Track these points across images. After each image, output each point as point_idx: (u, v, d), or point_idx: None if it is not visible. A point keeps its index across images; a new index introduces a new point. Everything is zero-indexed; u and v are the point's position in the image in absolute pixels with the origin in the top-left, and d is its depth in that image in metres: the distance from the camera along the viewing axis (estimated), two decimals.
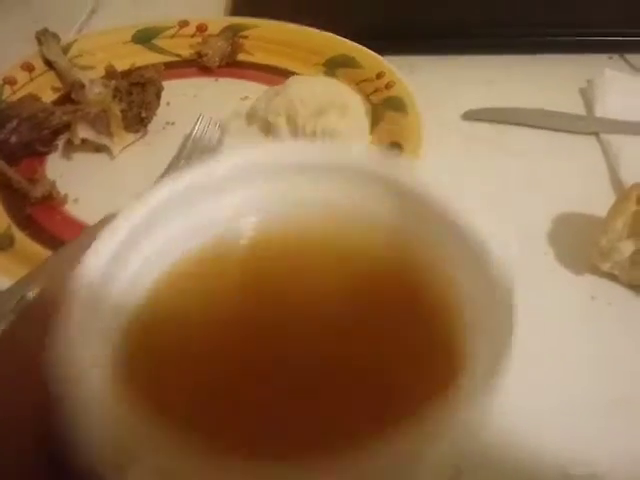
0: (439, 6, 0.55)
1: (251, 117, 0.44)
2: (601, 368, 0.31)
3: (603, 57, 0.53)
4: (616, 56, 0.54)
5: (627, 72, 0.51)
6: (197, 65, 0.49)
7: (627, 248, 0.33)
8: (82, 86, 0.44)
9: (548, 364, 0.31)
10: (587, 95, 0.49)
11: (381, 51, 0.48)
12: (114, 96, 0.43)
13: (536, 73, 0.51)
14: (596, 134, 0.45)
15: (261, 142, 0.43)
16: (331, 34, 0.49)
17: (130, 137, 0.42)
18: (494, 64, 0.52)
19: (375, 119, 0.43)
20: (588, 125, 0.46)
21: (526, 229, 0.38)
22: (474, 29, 0.54)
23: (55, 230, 0.36)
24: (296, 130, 0.42)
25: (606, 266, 0.33)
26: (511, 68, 0.52)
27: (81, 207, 0.38)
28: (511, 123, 0.46)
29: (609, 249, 0.33)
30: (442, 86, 0.49)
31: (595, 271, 0.34)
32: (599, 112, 0.47)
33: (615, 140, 0.44)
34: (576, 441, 0.28)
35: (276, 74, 0.48)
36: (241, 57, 0.50)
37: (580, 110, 0.48)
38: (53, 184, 0.38)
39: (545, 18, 0.54)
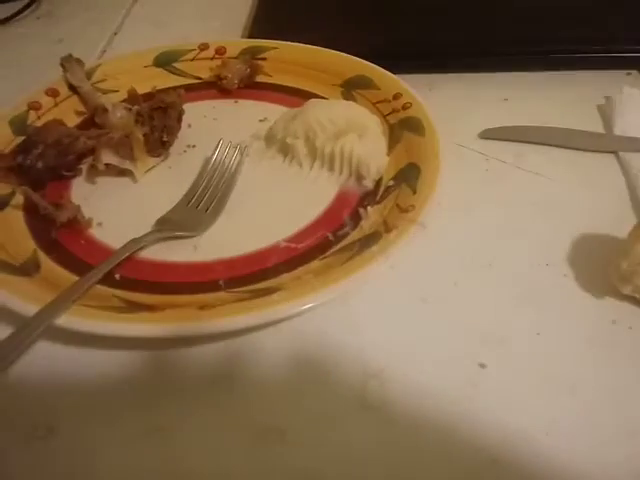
0: (455, 24, 0.55)
1: (270, 139, 0.45)
2: (622, 394, 0.31)
3: (621, 73, 0.53)
4: (635, 72, 0.53)
5: None
6: (217, 87, 0.50)
7: None
8: (105, 110, 0.45)
9: (567, 390, 0.31)
10: (605, 112, 0.49)
11: (399, 69, 0.48)
12: (136, 120, 0.43)
13: (553, 90, 0.51)
14: (615, 153, 0.45)
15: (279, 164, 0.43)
16: (348, 55, 0.49)
17: (152, 161, 0.43)
18: (511, 82, 0.52)
19: (393, 140, 0.43)
20: (607, 143, 0.46)
21: (545, 250, 0.37)
22: (491, 46, 0.53)
23: (80, 254, 0.37)
24: (314, 152, 0.42)
25: (627, 289, 0.33)
26: (528, 85, 0.52)
27: (105, 231, 0.38)
28: (528, 142, 0.46)
29: (630, 273, 0.32)
30: (459, 104, 0.49)
31: (616, 294, 0.34)
32: (618, 130, 0.46)
33: (635, 159, 0.43)
34: (595, 469, 0.28)
35: (294, 95, 0.49)
36: (260, 79, 0.50)
37: (598, 128, 0.48)
38: (78, 208, 0.38)
39: (562, 35, 0.53)
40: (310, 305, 0.31)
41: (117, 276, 0.35)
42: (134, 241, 0.36)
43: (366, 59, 0.49)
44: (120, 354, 0.32)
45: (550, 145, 0.46)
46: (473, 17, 0.55)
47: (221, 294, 0.34)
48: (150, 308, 0.32)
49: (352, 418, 0.30)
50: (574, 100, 0.50)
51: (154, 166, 0.43)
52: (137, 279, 0.35)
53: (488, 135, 0.47)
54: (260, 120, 0.47)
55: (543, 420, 0.30)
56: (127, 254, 0.35)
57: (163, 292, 0.34)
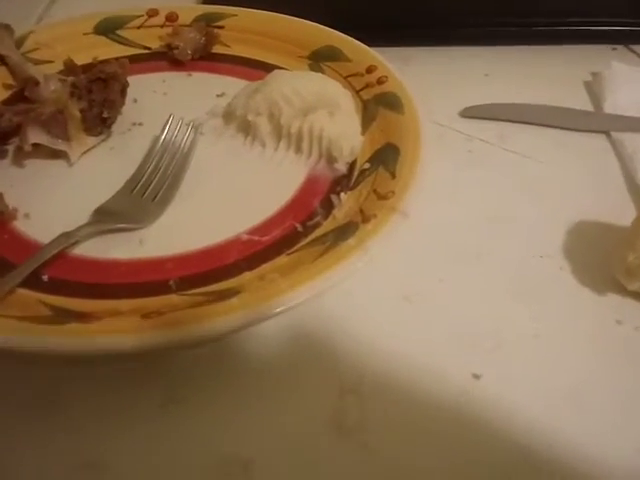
0: None
1: (228, 116, 0.40)
2: (630, 403, 0.27)
3: (607, 48, 0.50)
4: (621, 47, 0.51)
5: (634, 64, 0.47)
6: (167, 58, 0.45)
7: None
8: (36, 83, 0.39)
9: (568, 400, 0.27)
10: (593, 89, 0.45)
11: (372, 42, 0.44)
12: (72, 94, 0.38)
13: (536, 65, 0.48)
14: (607, 133, 0.42)
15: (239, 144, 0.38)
16: (316, 24, 0.45)
17: (91, 140, 0.37)
18: (492, 56, 0.49)
19: (367, 118, 0.39)
20: (598, 123, 0.42)
21: (539, 240, 0.34)
22: (471, 19, 0.50)
23: (2, 251, 0.31)
24: (279, 131, 0.38)
25: (634, 285, 0.29)
26: (509, 60, 0.49)
27: (33, 223, 0.33)
28: (513, 120, 0.43)
29: (637, 266, 0.29)
30: (438, 80, 0.45)
31: (619, 290, 0.31)
32: (608, 108, 0.43)
33: (629, 139, 0.40)
34: None
35: (255, 68, 0.44)
36: (216, 49, 0.46)
37: (587, 106, 0.44)
38: (0, 197, 0.33)
39: (544, 7, 0.51)
40: (276, 311, 0.26)
41: (45, 277, 0.30)
42: (66, 235, 0.30)
43: (335, 30, 0.44)
44: (47, 372, 0.27)
45: (536, 124, 0.43)
46: None
47: (171, 297, 0.29)
48: (84, 317, 0.27)
49: (327, 446, 0.25)
50: (559, 76, 0.47)
51: (93, 147, 0.38)
52: (69, 280, 0.30)
53: (469, 113, 0.43)
54: (217, 95, 0.42)
55: (545, 433, 0.26)
56: (57, 250, 0.30)
57: (101, 296, 0.29)
